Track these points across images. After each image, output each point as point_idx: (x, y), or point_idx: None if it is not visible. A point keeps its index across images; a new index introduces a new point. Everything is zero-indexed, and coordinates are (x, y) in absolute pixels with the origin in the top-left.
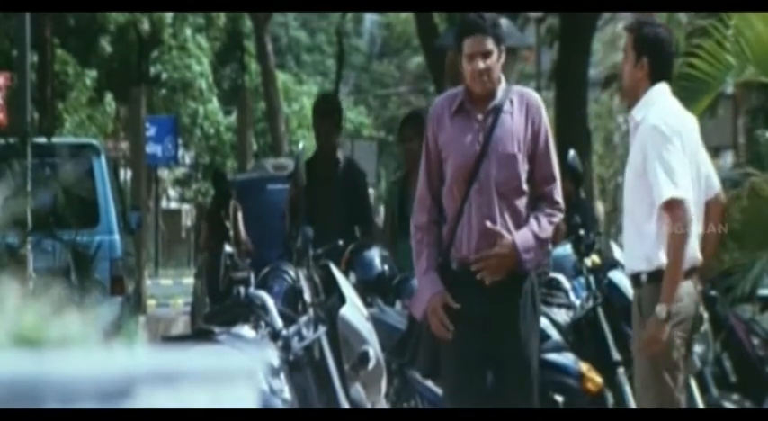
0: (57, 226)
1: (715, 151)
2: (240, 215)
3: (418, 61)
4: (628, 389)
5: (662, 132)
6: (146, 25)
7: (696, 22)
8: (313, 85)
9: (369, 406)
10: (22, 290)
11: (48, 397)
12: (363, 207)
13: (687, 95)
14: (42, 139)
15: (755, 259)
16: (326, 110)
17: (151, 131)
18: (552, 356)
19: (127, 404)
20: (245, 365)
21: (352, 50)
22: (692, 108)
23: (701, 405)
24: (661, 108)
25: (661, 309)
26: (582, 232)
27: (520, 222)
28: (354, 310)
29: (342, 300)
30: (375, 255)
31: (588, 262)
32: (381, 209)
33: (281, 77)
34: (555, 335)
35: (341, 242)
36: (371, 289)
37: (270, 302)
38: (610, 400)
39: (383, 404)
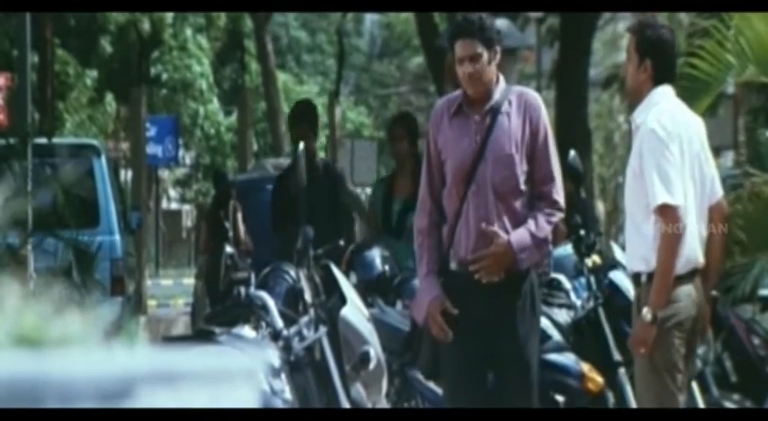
0: (58, 226)
1: (715, 151)
2: (240, 215)
3: (418, 61)
4: (629, 389)
5: (659, 136)
6: (146, 25)
7: (697, 23)
8: (313, 85)
9: (369, 406)
10: (22, 290)
11: (48, 397)
12: (343, 210)
13: (688, 95)
14: (43, 140)
15: (756, 259)
16: (303, 116)
17: (152, 132)
18: (553, 356)
19: (127, 404)
20: (246, 366)
21: (353, 50)
22: (692, 108)
23: (701, 405)
24: (661, 111)
25: (647, 312)
26: (582, 232)
27: (518, 222)
28: (355, 311)
29: (342, 300)
30: (376, 255)
31: (589, 262)
32: None
33: (282, 77)
34: (556, 335)
35: (341, 242)
36: (372, 289)
37: (270, 303)
38: (611, 400)
39: (384, 404)
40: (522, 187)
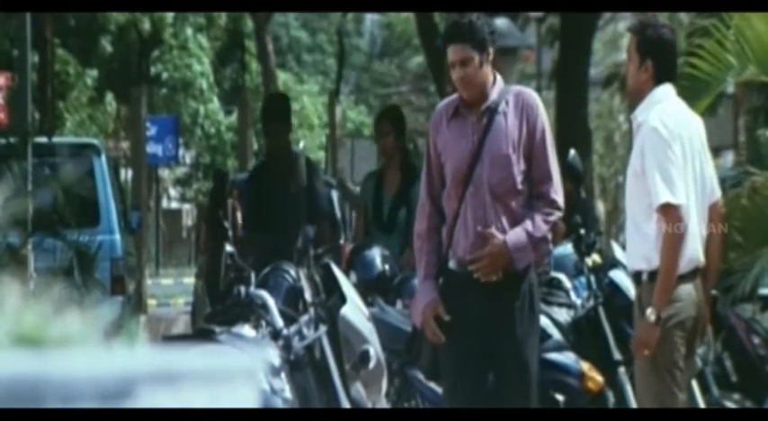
0: (58, 225)
1: (715, 151)
2: (239, 214)
3: (419, 61)
4: (629, 388)
5: (661, 136)
6: (146, 25)
7: (697, 22)
8: (314, 84)
9: (369, 405)
10: (22, 290)
11: (48, 397)
12: (318, 204)
13: (688, 95)
14: (43, 139)
15: (756, 258)
16: (275, 111)
17: (152, 131)
18: (553, 356)
19: (127, 404)
20: (246, 365)
21: (353, 50)
22: (692, 108)
23: (701, 404)
24: (663, 110)
25: (650, 313)
26: (582, 232)
27: (516, 222)
28: (355, 310)
29: (342, 299)
30: (376, 254)
31: (589, 261)
32: None
33: (282, 77)
34: (556, 334)
35: (342, 241)
36: (372, 288)
37: (270, 302)
38: (611, 400)
39: (384, 404)
40: (520, 187)
